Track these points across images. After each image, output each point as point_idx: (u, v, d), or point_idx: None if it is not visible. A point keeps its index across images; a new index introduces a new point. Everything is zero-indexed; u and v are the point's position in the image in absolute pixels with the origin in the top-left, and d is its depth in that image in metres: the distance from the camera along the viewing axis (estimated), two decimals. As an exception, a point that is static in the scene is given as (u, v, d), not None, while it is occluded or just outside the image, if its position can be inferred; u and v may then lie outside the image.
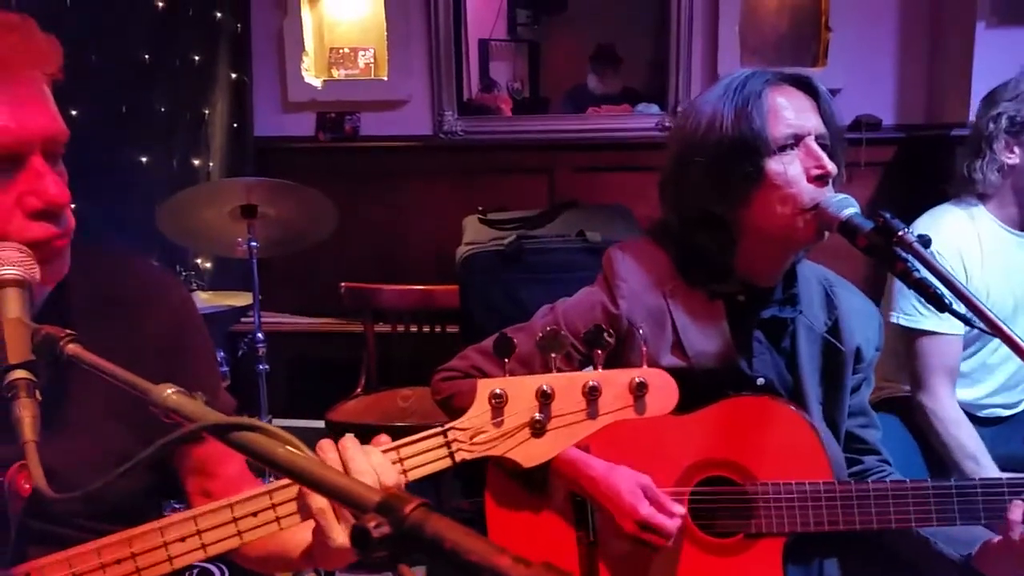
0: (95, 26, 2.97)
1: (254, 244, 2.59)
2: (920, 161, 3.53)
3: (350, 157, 3.86)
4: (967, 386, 2.15)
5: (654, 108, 4.12)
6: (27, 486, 1.03)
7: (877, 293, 2.11)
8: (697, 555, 1.46)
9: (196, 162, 3.48)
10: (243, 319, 3.53)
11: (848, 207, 1.36)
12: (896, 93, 3.66)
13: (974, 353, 2.11)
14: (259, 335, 2.69)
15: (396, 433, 3.02)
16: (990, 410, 2.17)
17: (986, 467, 1.97)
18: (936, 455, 2.05)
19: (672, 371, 1.43)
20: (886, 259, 1.31)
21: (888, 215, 1.31)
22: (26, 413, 0.80)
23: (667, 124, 3.73)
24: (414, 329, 3.27)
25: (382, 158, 3.86)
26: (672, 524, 1.38)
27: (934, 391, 2.03)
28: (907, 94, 3.65)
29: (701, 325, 1.49)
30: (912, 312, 2.04)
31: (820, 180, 1.39)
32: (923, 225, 2.10)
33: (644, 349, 1.05)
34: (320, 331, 3.61)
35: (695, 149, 1.44)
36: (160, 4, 3.36)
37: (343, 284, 3.22)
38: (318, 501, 0.94)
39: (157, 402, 0.71)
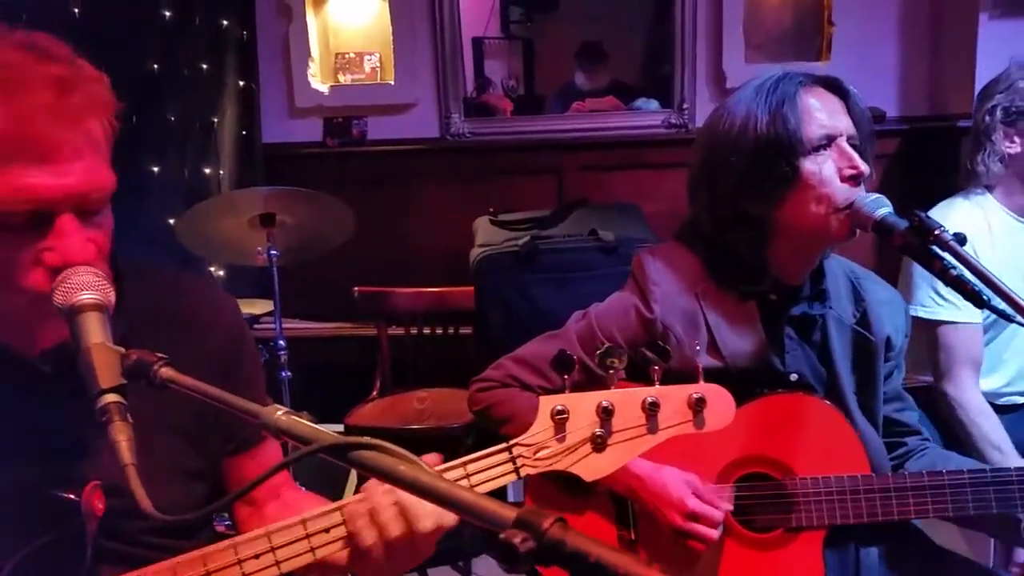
0: (105, 37, 2.98)
1: (274, 252, 2.60)
2: (924, 153, 3.57)
3: (358, 162, 3.88)
4: (984, 375, 2.18)
5: (653, 104, 4.14)
6: (100, 506, 1.05)
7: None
8: (738, 550, 1.49)
9: (207, 170, 3.49)
10: (256, 326, 3.54)
11: (882, 207, 1.39)
12: (899, 85, 3.70)
13: (990, 341, 2.15)
14: (280, 342, 2.71)
15: (416, 436, 3.02)
16: (1007, 398, 2.20)
17: (1009, 455, 2.00)
18: (957, 443, 2.09)
19: (707, 371, 1.47)
20: (922, 258, 1.34)
21: (923, 214, 1.34)
22: (122, 436, 0.81)
23: (673, 121, 3.75)
24: (427, 331, 3.29)
25: (390, 162, 3.87)
26: (719, 515, 1.41)
27: (958, 380, 2.06)
28: (910, 86, 3.69)
29: (734, 325, 1.51)
30: (930, 304, 2.08)
31: (853, 180, 1.42)
32: (934, 217, 2.14)
33: (699, 366, 1.06)
34: (333, 335, 3.63)
35: (728, 150, 1.46)
36: (168, 14, 3.37)
37: (356, 288, 3.24)
38: (367, 539, 0.98)
39: (268, 424, 0.72)
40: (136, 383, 0.85)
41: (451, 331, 3.28)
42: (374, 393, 3.28)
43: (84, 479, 1.04)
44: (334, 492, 2.81)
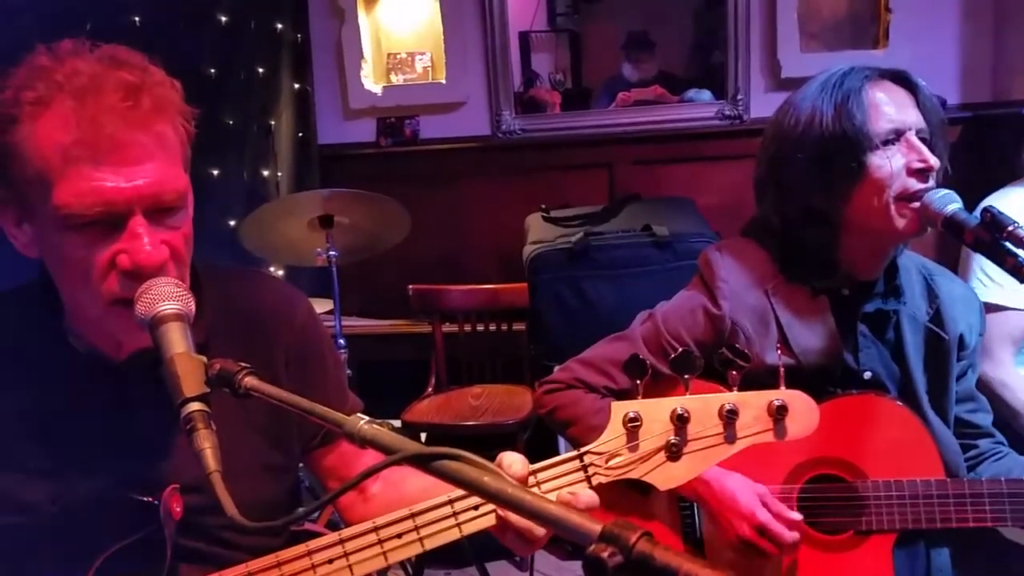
0: (163, 43, 3.03)
1: (334, 253, 2.65)
2: (987, 141, 3.46)
3: (411, 161, 3.91)
4: None
5: (706, 94, 4.09)
6: (178, 509, 1.08)
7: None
8: (806, 551, 1.47)
9: (265, 173, 3.56)
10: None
11: (951, 202, 1.36)
12: (960, 72, 3.58)
13: None
14: (340, 340, 2.76)
15: (471, 432, 3.04)
16: None
17: None
18: (1003, 426, 2.06)
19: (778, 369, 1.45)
20: (995, 255, 1.31)
21: (995, 209, 1.31)
22: (207, 444, 0.82)
23: (727, 113, 3.70)
24: (480, 328, 3.32)
25: (442, 161, 3.90)
26: (790, 535, 1.39)
27: (998, 359, 2.02)
28: (972, 72, 3.58)
29: (806, 322, 1.49)
30: (977, 284, 2.05)
31: (921, 174, 1.39)
32: (991, 202, 2.09)
33: (781, 370, 1.02)
34: (389, 333, 3.67)
35: (794, 146, 1.45)
36: (223, 18, 3.43)
37: (411, 287, 3.28)
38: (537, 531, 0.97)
39: (352, 434, 0.74)
40: (220, 391, 0.88)
41: (504, 328, 3.30)
42: (429, 389, 3.32)
43: (165, 479, 1.07)
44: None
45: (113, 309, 1.01)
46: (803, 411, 0.98)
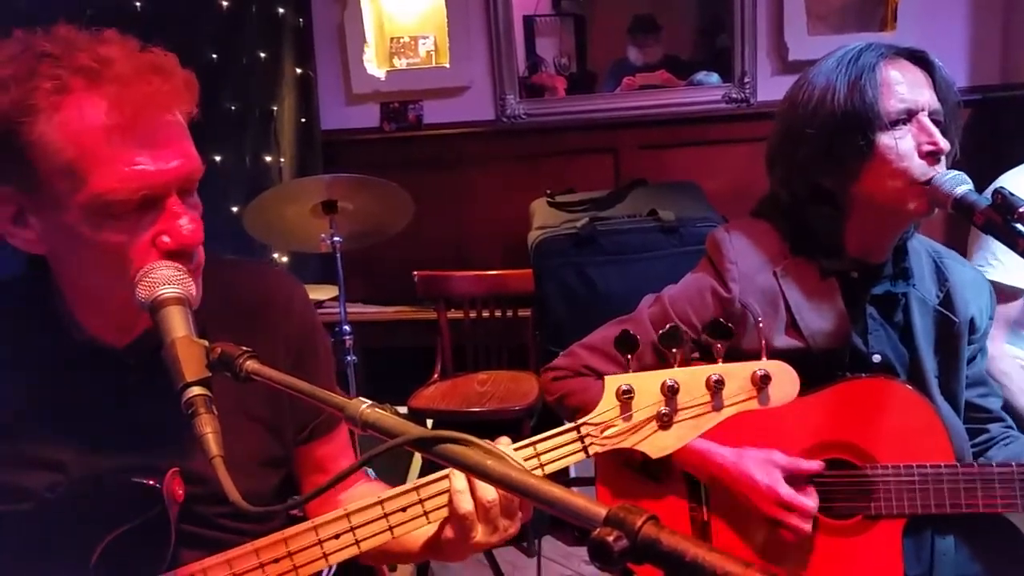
0: (164, 29, 3.03)
1: (338, 239, 2.64)
2: (997, 123, 3.43)
3: (415, 146, 3.88)
4: None
5: (714, 77, 4.05)
6: (180, 492, 1.08)
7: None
8: (816, 536, 1.46)
9: (267, 159, 3.54)
10: (320, 311, 3.59)
11: (961, 184, 1.35)
12: (970, 54, 3.54)
13: None
14: (345, 327, 2.75)
15: (478, 418, 3.02)
16: None
17: None
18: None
19: (788, 352, 1.44)
20: (1006, 237, 1.30)
21: (1007, 191, 1.29)
22: (208, 429, 0.82)
23: (734, 96, 3.67)
24: (486, 315, 3.31)
25: (446, 145, 3.87)
26: (811, 506, 1.39)
27: (990, 333, 2.02)
28: (982, 54, 3.54)
29: (815, 304, 1.48)
30: (983, 263, 2.04)
31: (932, 156, 1.38)
32: (1006, 180, 2.08)
33: (764, 343, 1.09)
34: (395, 319, 3.66)
35: (806, 122, 1.43)
36: (225, 3, 3.42)
37: (416, 273, 3.27)
38: (463, 506, 0.99)
39: (354, 418, 0.73)
40: (220, 375, 0.87)
41: (510, 314, 3.30)
42: (435, 376, 3.32)
43: (165, 466, 1.07)
44: (395, 472, 2.85)
45: None
46: (784, 379, 1.05)
